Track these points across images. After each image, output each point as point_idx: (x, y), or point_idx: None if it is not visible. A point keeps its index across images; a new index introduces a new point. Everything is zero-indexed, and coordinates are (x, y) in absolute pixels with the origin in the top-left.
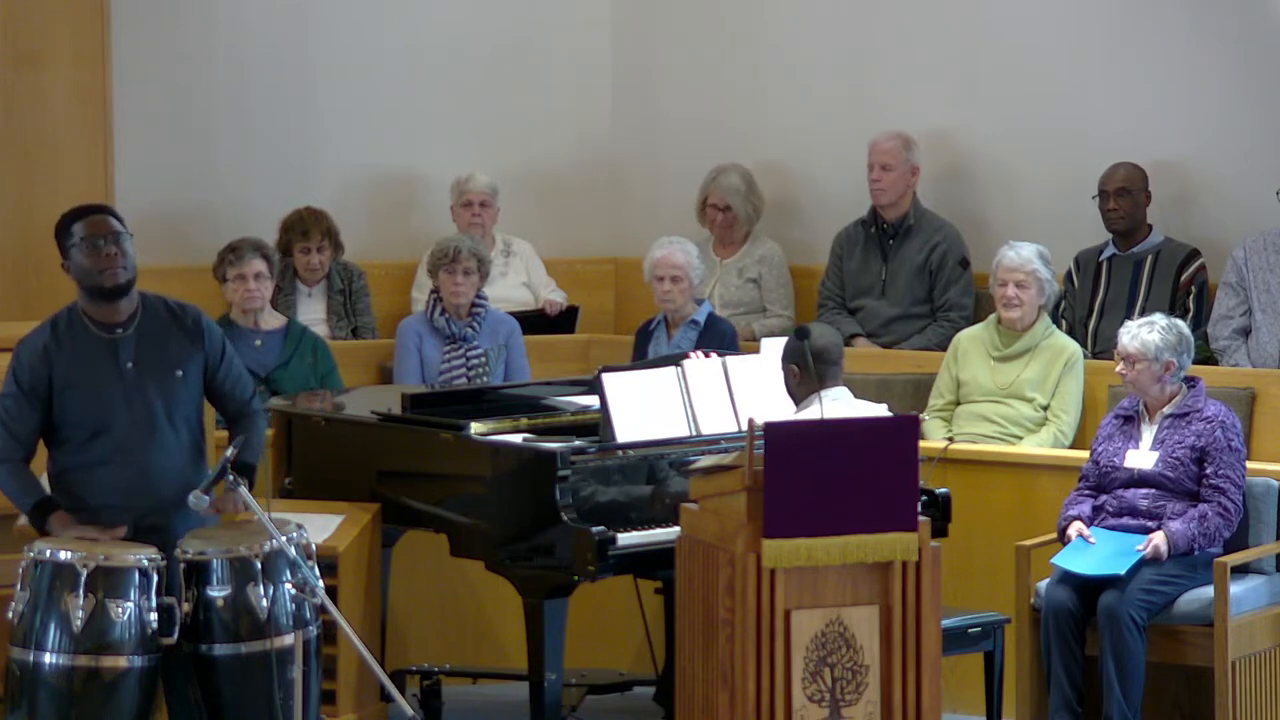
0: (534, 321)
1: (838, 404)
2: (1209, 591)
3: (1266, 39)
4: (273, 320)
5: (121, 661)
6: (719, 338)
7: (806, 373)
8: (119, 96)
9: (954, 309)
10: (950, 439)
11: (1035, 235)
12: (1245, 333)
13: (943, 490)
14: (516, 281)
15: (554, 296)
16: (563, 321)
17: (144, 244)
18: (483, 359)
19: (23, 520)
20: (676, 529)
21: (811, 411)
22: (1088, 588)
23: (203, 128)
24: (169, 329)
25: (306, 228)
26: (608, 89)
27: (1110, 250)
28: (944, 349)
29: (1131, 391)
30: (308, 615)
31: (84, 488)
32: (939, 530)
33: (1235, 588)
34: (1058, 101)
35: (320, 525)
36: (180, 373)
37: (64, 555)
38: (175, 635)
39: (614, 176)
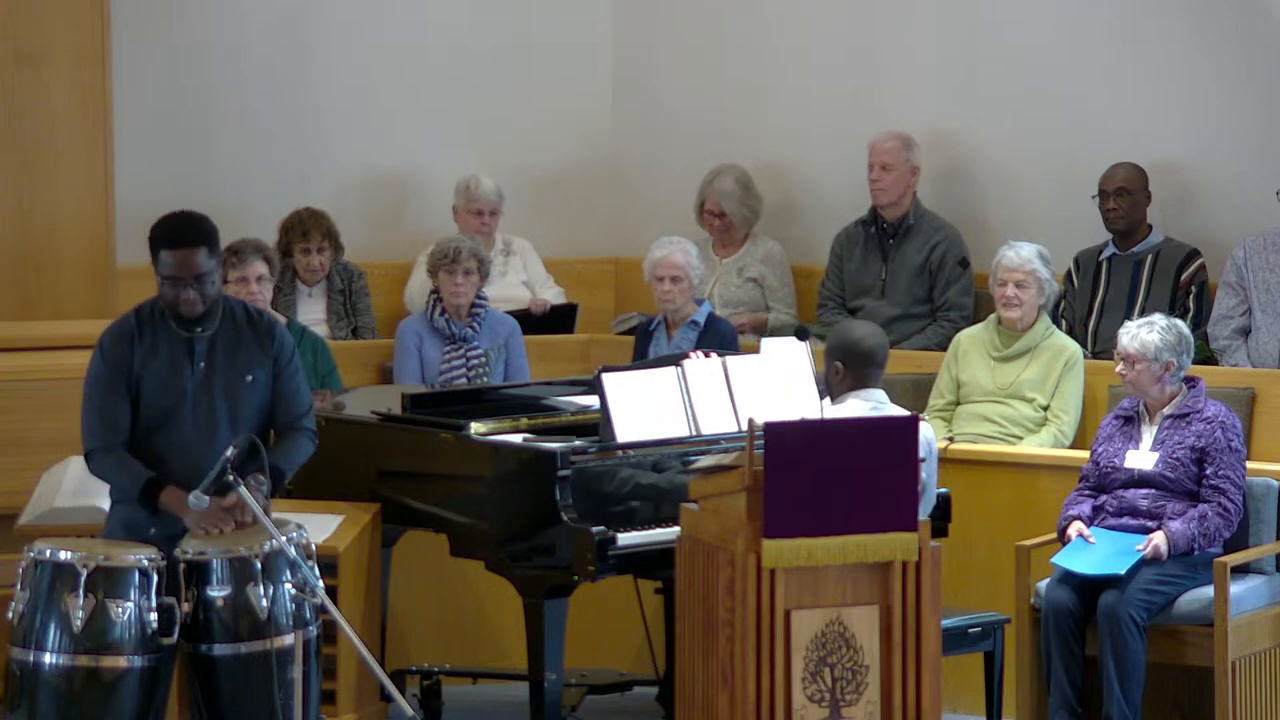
0: (531, 321)
1: (866, 405)
2: (1209, 591)
3: (1266, 39)
4: None
5: (121, 661)
6: (719, 338)
7: (850, 370)
8: (119, 96)
9: (954, 309)
10: (950, 439)
11: (1035, 235)
12: (1245, 333)
13: (943, 490)
14: (516, 280)
15: (548, 295)
16: (562, 321)
17: (144, 244)
18: (483, 359)
19: (23, 519)
20: (676, 529)
21: (841, 410)
22: (1088, 588)
23: (203, 127)
24: (244, 334)
25: (306, 229)
26: (608, 88)
27: (1110, 250)
28: (944, 349)
29: (1131, 392)
30: (308, 615)
31: None
32: (939, 530)
33: (1235, 588)
34: (1058, 101)
35: (320, 525)
36: (250, 378)
37: (64, 555)
38: (175, 635)
39: (614, 176)
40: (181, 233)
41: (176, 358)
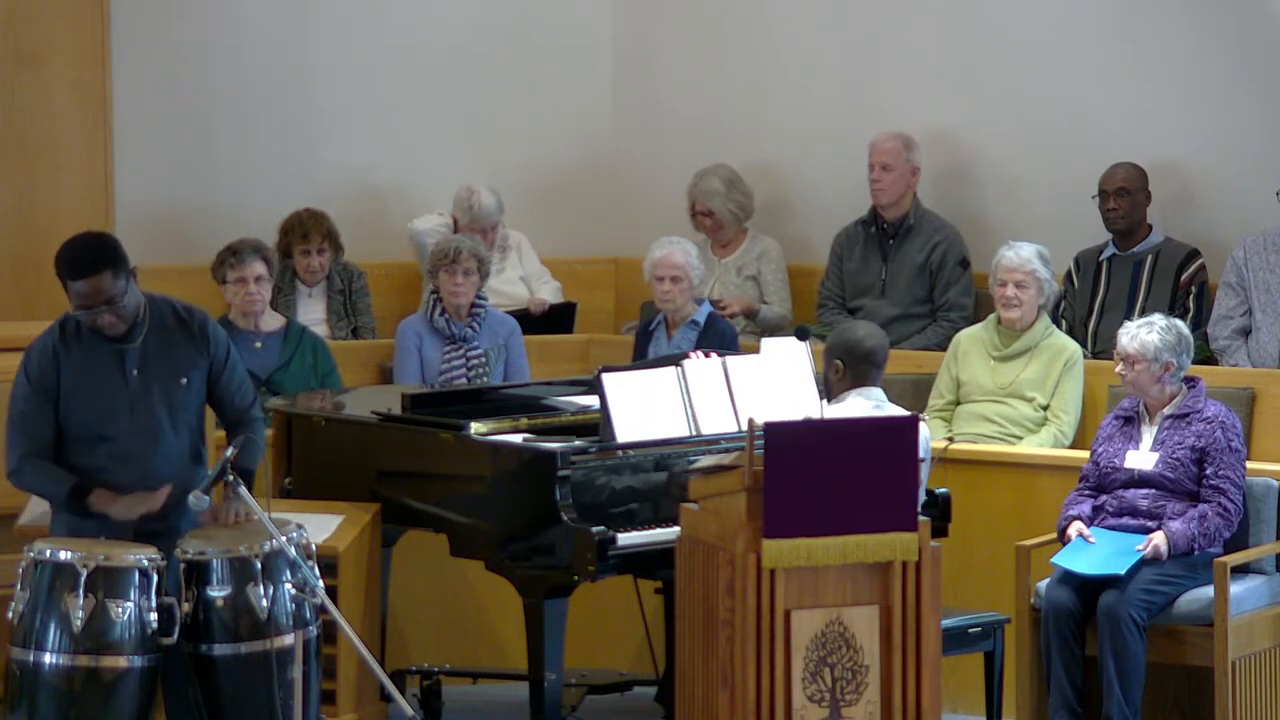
0: (530, 320)
1: (867, 404)
2: (1209, 591)
3: (1266, 39)
4: (272, 321)
5: (121, 661)
6: (719, 338)
7: (850, 369)
8: (119, 96)
9: (954, 309)
10: (950, 439)
11: (1035, 235)
12: (1245, 333)
13: (943, 490)
14: (514, 276)
15: (545, 292)
16: (561, 319)
17: (144, 244)
18: (483, 359)
19: (23, 519)
20: (676, 529)
21: (841, 409)
22: (1088, 588)
23: (203, 128)
24: (175, 336)
25: (306, 230)
26: (608, 88)
27: (1110, 250)
28: (944, 349)
29: (1131, 392)
30: (308, 615)
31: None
32: (939, 530)
33: (1235, 588)
34: (1058, 101)
35: (320, 525)
36: (185, 380)
37: (64, 555)
38: (175, 635)
39: (614, 176)
40: (81, 262)
41: (108, 370)
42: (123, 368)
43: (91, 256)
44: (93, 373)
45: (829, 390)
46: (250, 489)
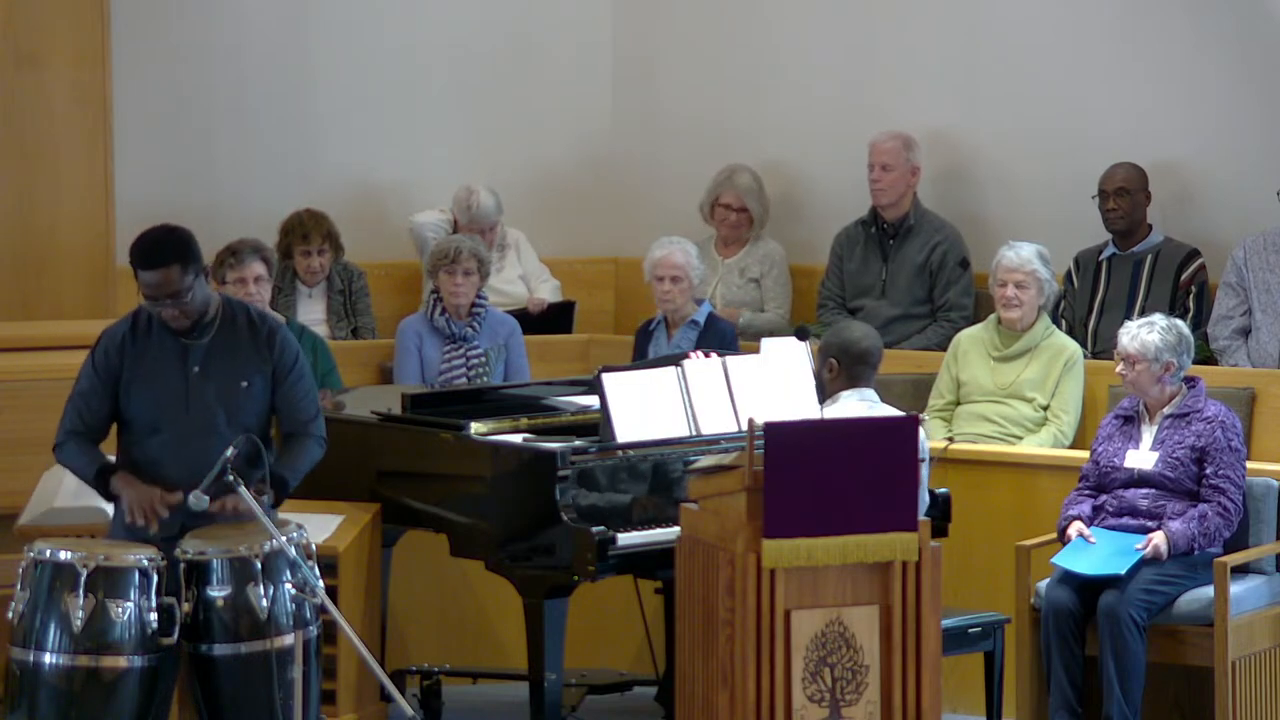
0: (529, 319)
1: (862, 404)
2: (1209, 591)
3: (1266, 39)
4: None
5: (121, 661)
6: (719, 338)
7: (844, 369)
8: (119, 96)
9: (954, 309)
10: (950, 439)
11: (1035, 235)
12: (1245, 333)
13: (943, 490)
14: (513, 275)
15: (544, 292)
16: (560, 318)
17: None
18: (483, 359)
19: (23, 519)
20: (676, 529)
21: (836, 408)
22: (1088, 588)
23: (203, 128)
24: (242, 339)
25: (307, 231)
26: (608, 88)
27: (1110, 250)
28: (944, 349)
29: (1131, 392)
30: (308, 615)
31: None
32: (939, 530)
33: (1235, 588)
34: (1058, 101)
35: (320, 525)
36: (245, 383)
37: (64, 555)
38: (175, 635)
39: (614, 176)
40: (151, 253)
41: (170, 364)
42: (184, 363)
43: (163, 249)
44: (155, 364)
45: (823, 390)
46: (280, 498)
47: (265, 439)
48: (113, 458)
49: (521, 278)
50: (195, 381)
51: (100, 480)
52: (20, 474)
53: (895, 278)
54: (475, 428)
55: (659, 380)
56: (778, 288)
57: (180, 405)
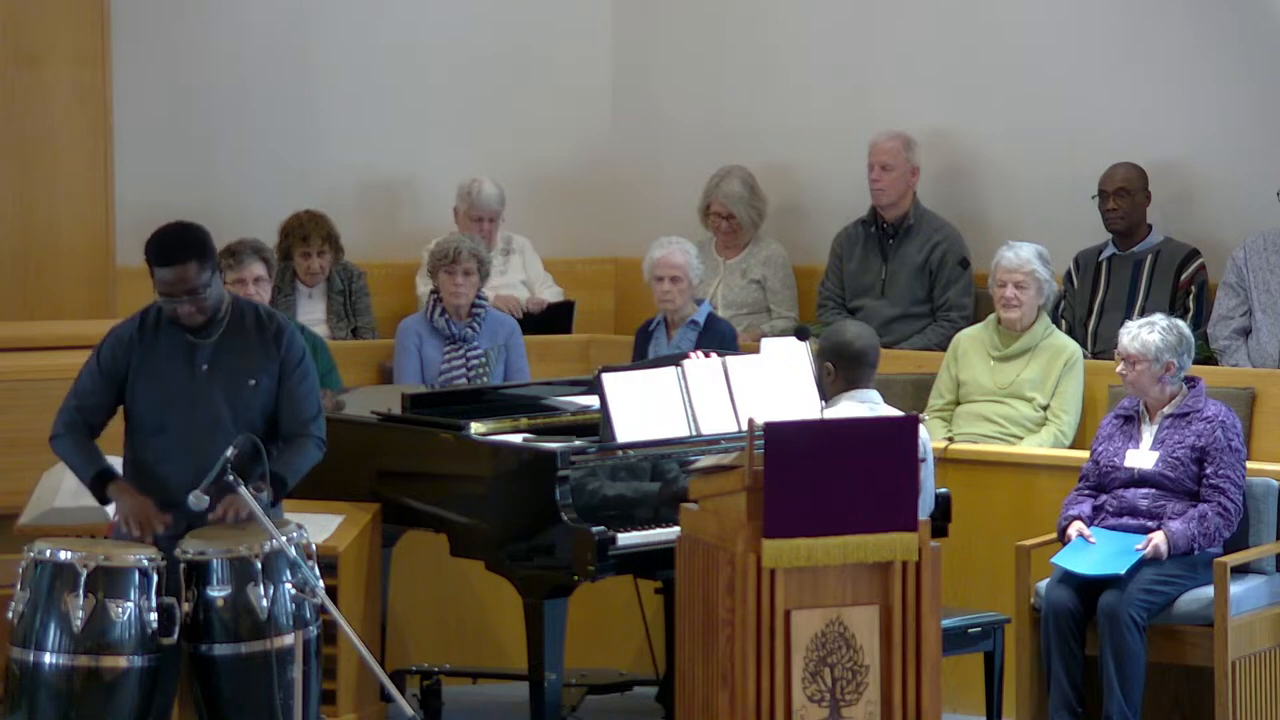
0: (528, 318)
1: (863, 408)
2: (1209, 591)
3: (1266, 39)
4: None
5: (121, 661)
6: (719, 338)
7: (841, 371)
8: (119, 96)
9: (954, 309)
10: (950, 439)
11: (1035, 235)
12: (1245, 333)
13: (943, 490)
14: (515, 279)
15: (546, 295)
16: (559, 319)
17: (143, 244)
18: (483, 359)
19: (23, 519)
20: (676, 529)
21: (838, 410)
22: (1088, 588)
23: (203, 128)
24: (250, 337)
25: (307, 232)
26: (608, 89)
27: (1110, 250)
28: (944, 349)
29: (1131, 392)
30: (308, 615)
31: (148, 481)
32: (939, 530)
33: (1235, 588)
34: (1058, 101)
35: (320, 525)
36: (253, 382)
37: (64, 555)
38: (175, 635)
39: (614, 177)
40: (168, 250)
41: (177, 361)
42: (192, 361)
43: (180, 245)
44: (162, 361)
45: (823, 394)
46: (279, 498)
47: (270, 438)
48: (112, 459)
49: (524, 282)
50: (202, 379)
51: (97, 484)
52: (20, 474)
53: (895, 278)
54: (475, 428)
55: (659, 380)
56: (785, 291)
57: (186, 403)
